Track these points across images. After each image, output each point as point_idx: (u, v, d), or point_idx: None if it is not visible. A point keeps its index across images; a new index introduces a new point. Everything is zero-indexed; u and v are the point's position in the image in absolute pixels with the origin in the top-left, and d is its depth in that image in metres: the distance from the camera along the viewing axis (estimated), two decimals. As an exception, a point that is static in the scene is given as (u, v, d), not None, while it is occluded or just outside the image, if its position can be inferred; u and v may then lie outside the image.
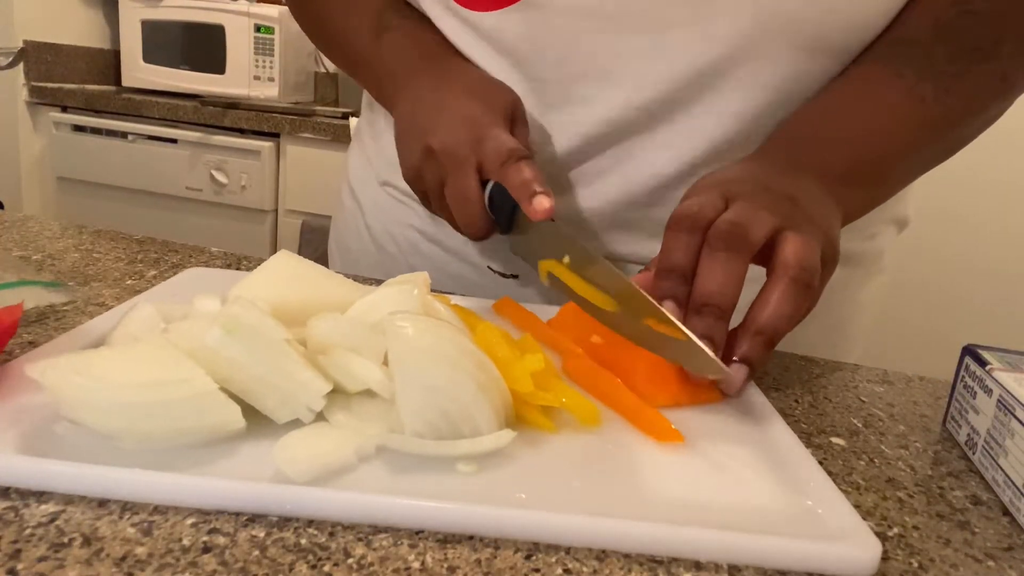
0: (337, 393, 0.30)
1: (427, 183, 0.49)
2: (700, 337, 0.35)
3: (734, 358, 0.37)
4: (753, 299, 0.38)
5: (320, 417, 0.30)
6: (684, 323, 0.36)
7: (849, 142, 0.46)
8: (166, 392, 0.26)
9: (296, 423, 0.29)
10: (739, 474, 0.30)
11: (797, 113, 0.49)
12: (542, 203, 0.42)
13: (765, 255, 0.38)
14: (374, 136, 0.64)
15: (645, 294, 0.37)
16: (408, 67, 0.53)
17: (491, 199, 0.46)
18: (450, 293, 0.49)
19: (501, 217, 0.46)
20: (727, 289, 0.36)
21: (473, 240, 0.48)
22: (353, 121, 1.69)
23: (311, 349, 0.31)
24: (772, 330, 0.37)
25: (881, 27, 0.48)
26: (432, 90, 0.50)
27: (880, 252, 0.61)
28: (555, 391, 0.33)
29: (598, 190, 0.53)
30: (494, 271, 0.57)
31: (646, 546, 0.25)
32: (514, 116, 0.49)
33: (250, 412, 0.28)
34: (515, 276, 0.57)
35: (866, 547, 0.26)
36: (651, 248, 0.53)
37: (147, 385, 0.26)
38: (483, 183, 0.46)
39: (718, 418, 0.36)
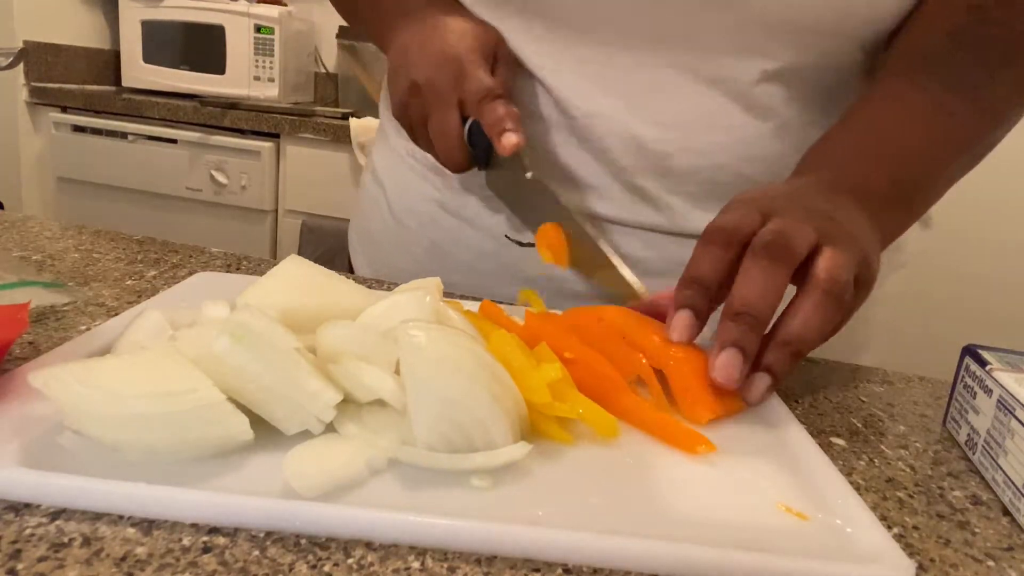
0: (347, 403, 0.29)
1: (412, 116, 0.52)
2: (731, 345, 0.35)
3: (760, 369, 0.36)
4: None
5: (330, 428, 0.29)
6: (718, 328, 0.36)
7: (886, 162, 0.46)
8: (172, 403, 0.26)
9: (305, 434, 0.28)
10: (763, 490, 0.29)
11: (830, 134, 0.48)
12: (510, 139, 0.46)
13: (799, 273, 0.37)
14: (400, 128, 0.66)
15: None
16: (401, 17, 0.56)
17: (471, 135, 0.50)
18: (470, 298, 0.50)
19: (479, 152, 0.51)
20: (766, 299, 0.36)
21: (452, 172, 0.52)
22: (353, 121, 1.69)
23: (321, 357, 0.31)
24: (799, 341, 0.36)
25: (895, 18, 0.48)
26: (421, 30, 0.52)
27: (900, 246, 0.60)
28: (571, 401, 0.32)
29: (594, 141, 0.54)
30: (511, 239, 0.58)
31: (670, 567, 0.24)
32: (496, 56, 0.51)
33: (258, 423, 0.28)
34: (531, 244, 0.57)
35: (899, 569, 0.25)
36: (633, 213, 0.55)
37: (153, 395, 0.26)
38: (464, 119, 0.50)
39: (739, 429, 0.35)
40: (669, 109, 0.51)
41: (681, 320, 0.37)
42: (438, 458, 0.27)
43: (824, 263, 0.37)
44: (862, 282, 0.39)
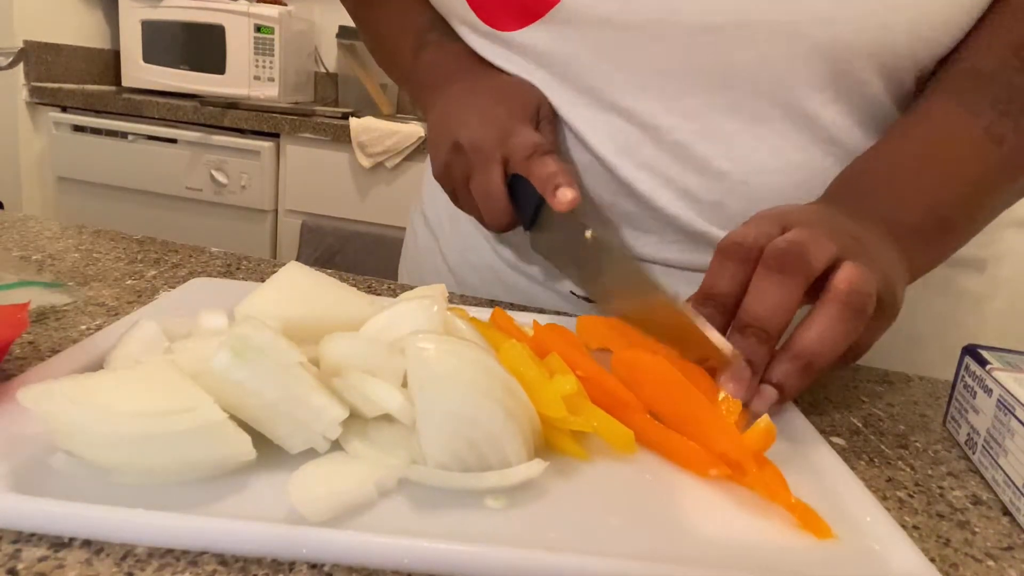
0: (353, 419, 0.28)
1: (454, 178, 0.50)
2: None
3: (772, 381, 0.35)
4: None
5: (336, 446, 0.28)
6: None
7: (921, 194, 0.43)
8: (170, 423, 0.24)
9: (309, 452, 0.27)
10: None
11: (863, 158, 0.46)
12: (565, 194, 0.43)
13: (817, 291, 0.36)
14: None
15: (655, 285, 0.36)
16: (441, 78, 0.55)
17: (515, 194, 0.48)
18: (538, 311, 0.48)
19: (524, 212, 0.48)
20: (777, 313, 0.34)
21: (495, 232, 0.50)
22: (353, 121, 1.69)
23: (324, 370, 0.29)
24: (811, 355, 0.34)
25: (949, 43, 0.45)
26: (461, 94, 0.52)
27: (1000, 258, 0.58)
28: (585, 415, 0.31)
29: (641, 195, 0.51)
30: (578, 296, 0.56)
31: None
32: (539, 115, 0.50)
33: (260, 440, 0.26)
34: None
35: None
36: (680, 253, 0.52)
37: (150, 415, 0.24)
38: (507, 179, 0.48)
39: None
40: (719, 156, 0.48)
41: None
42: (450, 477, 0.26)
43: (844, 275, 0.35)
44: (884, 308, 0.37)
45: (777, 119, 0.47)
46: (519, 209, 0.48)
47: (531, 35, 0.50)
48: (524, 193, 0.47)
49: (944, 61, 0.47)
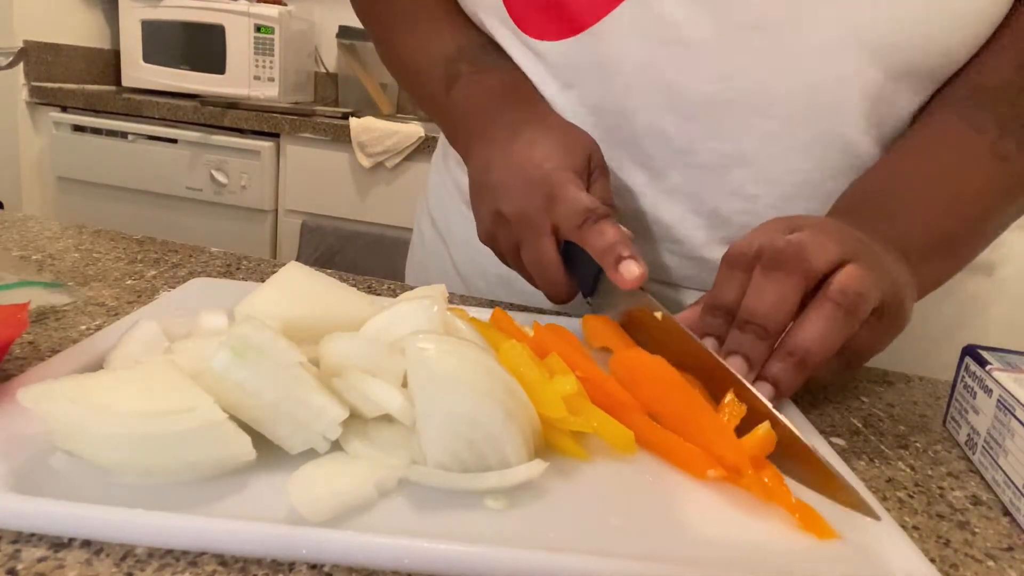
0: (353, 419, 0.28)
1: (501, 246, 0.47)
2: (735, 354, 0.34)
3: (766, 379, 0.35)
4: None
5: (335, 446, 0.27)
6: (723, 342, 0.35)
7: (926, 212, 0.43)
8: (170, 423, 0.24)
9: (309, 453, 0.27)
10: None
11: (867, 177, 0.46)
12: (631, 270, 0.38)
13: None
14: (461, 161, 0.60)
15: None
16: (478, 119, 0.51)
17: (571, 259, 0.44)
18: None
19: (583, 279, 0.44)
20: (775, 311, 0.35)
21: (556, 303, 0.46)
22: (353, 121, 1.69)
23: (324, 371, 0.29)
24: (804, 352, 0.34)
25: (966, 54, 0.45)
26: (502, 145, 0.47)
27: (1003, 260, 0.58)
28: (585, 415, 0.31)
29: (662, 224, 0.51)
30: (590, 303, 0.56)
31: None
32: (591, 165, 0.46)
33: (260, 441, 0.26)
34: None
35: None
36: (699, 273, 0.52)
37: (150, 415, 0.24)
38: (560, 245, 0.44)
39: None
40: (751, 180, 0.48)
41: (707, 345, 0.36)
42: (450, 477, 0.26)
43: (840, 275, 0.35)
44: (889, 315, 0.37)
45: (816, 145, 0.47)
46: (577, 276, 0.44)
47: (568, 49, 0.48)
48: (581, 260, 0.43)
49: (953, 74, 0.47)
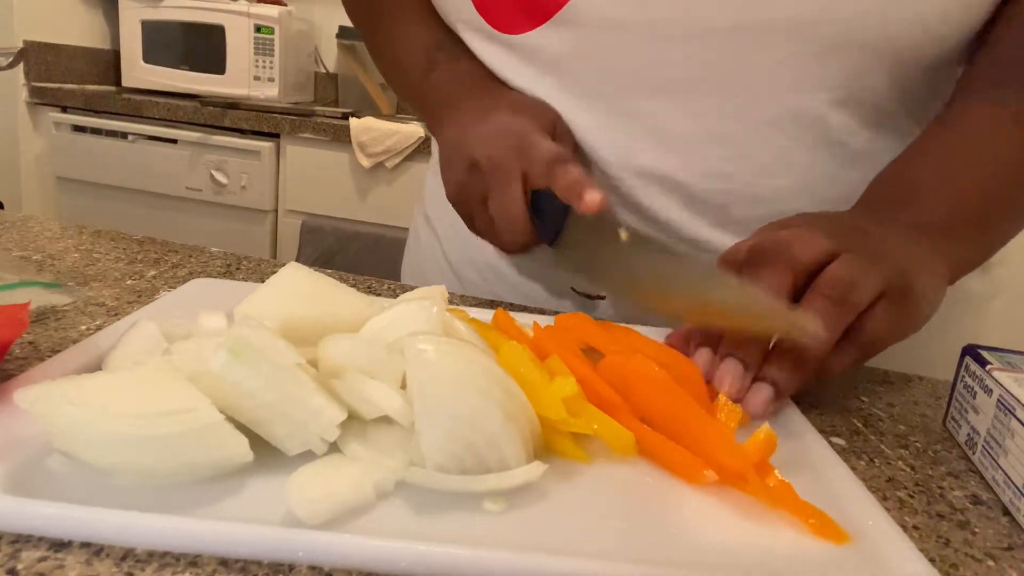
0: (352, 420, 0.28)
1: (471, 198, 0.49)
2: (730, 356, 0.35)
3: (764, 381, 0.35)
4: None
5: (334, 448, 0.27)
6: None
7: (949, 192, 0.43)
8: (168, 424, 0.24)
9: (307, 455, 0.27)
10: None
11: (891, 166, 0.46)
12: (594, 196, 0.41)
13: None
14: None
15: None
16: (452, 97, 0.54)
17: (535, 213, 0.46)
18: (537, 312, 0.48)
19: (547, 229, 0.47)
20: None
21: (513, 253, 0.48)
22: (353, 121, 1.69)
23: (323, 372, 0.29)
24: (799, 349, 0.35)
25: (954, 31, 0.44)
26: (475, 111, 0.50)
27: (1001, 258, 0.57)
28: (585, 416, 0.31)
29: (643, 202, 0.51)
30: (578, 292, 0.56)
31: None
32: (555, 131, 0.49)
33: (257, 442, 0.26)
34: (601, 297, 0.56)
35: None
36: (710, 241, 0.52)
37: (147, 416, 0.24)
38: (526, 194, 0.46)
39: None
40: (726, 158, 0.48)
41: (702, 356, 0.37)
42: (449, 479, 0.26)
43: (831, 267, 0.35)
44: (898, 300, 0.36)
45: (786, 120, 0.47)
46: (541, 227, 0.47)
47: (539, 37, 0.49)
48: (546, 210, 0.46)
49: (973, 60, 0.47)
